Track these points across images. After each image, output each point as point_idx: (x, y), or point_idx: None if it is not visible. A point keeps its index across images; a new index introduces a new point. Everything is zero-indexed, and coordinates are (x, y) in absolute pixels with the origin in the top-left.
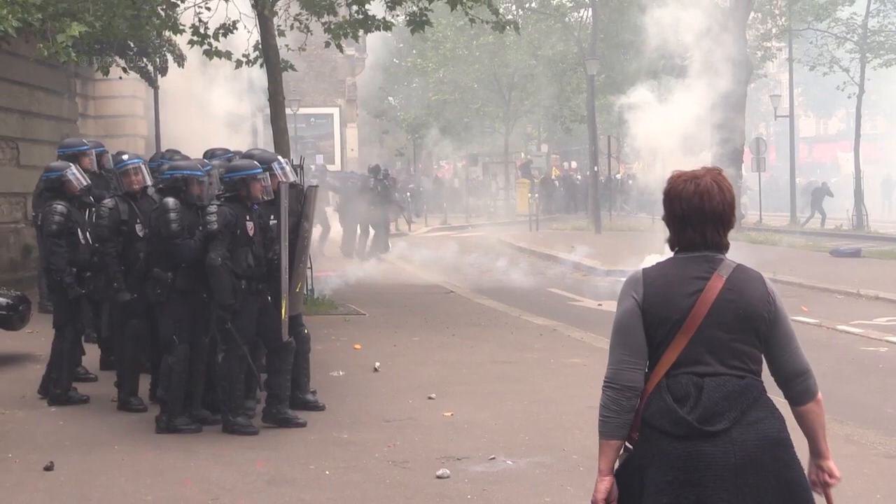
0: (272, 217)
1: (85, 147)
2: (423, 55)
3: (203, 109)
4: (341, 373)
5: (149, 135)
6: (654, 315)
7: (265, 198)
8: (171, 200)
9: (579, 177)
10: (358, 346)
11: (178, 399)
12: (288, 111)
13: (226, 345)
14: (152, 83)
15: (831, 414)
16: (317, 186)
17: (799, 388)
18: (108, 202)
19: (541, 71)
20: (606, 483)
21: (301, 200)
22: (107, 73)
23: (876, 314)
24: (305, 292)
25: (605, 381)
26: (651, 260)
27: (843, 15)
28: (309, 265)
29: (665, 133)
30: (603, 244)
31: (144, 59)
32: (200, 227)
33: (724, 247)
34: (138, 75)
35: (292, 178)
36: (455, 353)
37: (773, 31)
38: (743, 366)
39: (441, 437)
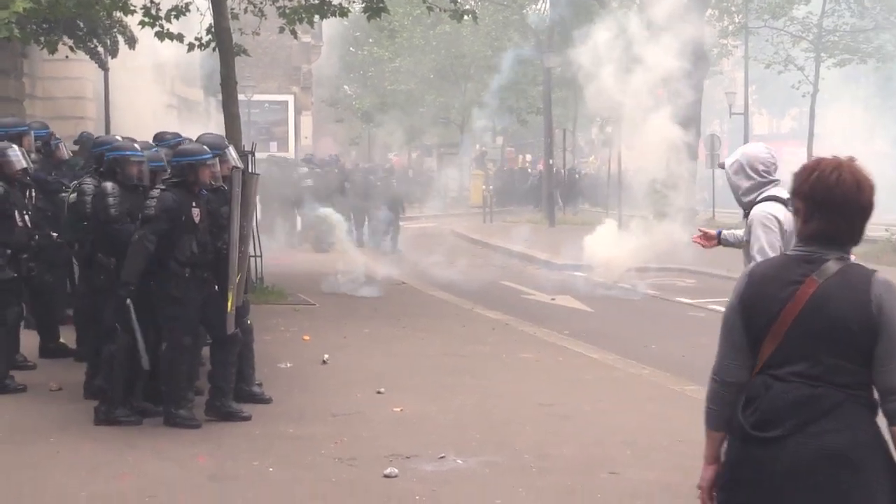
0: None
1: (24, 128)
2: (380, 44)
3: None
4: (289, 364)
5: (98, 117)
6: (749, 315)
7: (214, 184)
8: (109, 185)
9: (530, 170)
10: (307, 337)
11: (118, 389)
12: (242, 97)
13: (169, 333)
14: (102, 65)
15: None
16: (258, 175)
17: (890, 406)
18: (89, 180)
19: (497, 63)
20: (709, 472)
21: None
22: (53, 51)
23: None
24: (254, 281)
25: (711, 373)
26: (591, 241)
27: (798, 14)
28: (259, 254)
29: (626, 88)
30: (556, 238)
31: (94, 40)
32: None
33: (859, 241)
34: (88, 56)
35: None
36: (406, 345)
37: (730, 28)
38: (824, 376)
39: (390, 434)
